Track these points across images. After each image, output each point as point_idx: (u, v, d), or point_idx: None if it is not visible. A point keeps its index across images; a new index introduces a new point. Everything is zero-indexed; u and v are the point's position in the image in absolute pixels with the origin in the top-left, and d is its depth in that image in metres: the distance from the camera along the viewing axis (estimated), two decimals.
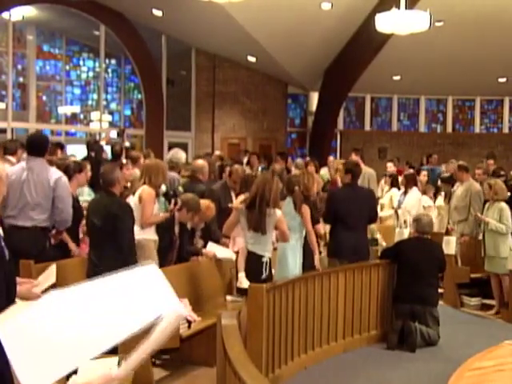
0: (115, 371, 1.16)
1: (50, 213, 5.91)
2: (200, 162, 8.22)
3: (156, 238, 6.28)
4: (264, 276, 5.79)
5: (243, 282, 6.05)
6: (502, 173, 10.20)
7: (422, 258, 6.84)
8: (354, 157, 10.55)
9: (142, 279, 1.22)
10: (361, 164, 10.36)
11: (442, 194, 10.71)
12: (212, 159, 9.86)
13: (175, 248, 6.59)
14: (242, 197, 6.66)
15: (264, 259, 5.81)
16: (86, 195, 7.57)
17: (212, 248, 6.79)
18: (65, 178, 6.05)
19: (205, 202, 6.74)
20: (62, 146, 9.51)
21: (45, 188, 5.87)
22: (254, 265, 5.79)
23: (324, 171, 12.24)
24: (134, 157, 8.60)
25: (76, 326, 1.11)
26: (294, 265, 6.49)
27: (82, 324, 1.12)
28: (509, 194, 8.71)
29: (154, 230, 6.30)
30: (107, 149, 10.97)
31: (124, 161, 8.85)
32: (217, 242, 7.02)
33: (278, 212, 5.88)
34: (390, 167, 12.49)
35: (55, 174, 5.98)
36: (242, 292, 6.07)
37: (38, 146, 6.03)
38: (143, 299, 1.18)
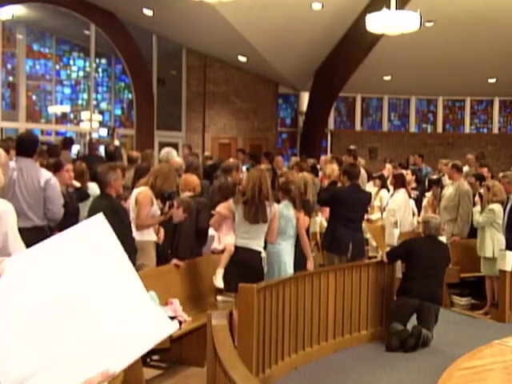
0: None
1: (43, 212, 5.91)
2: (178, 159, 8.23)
3: (155, 238, 6.26)
4: (265, 271, 5.85)
5: (218, 279, 6.07)
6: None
7: (436, 256, 6.89)
8: (348, 158, 10.51)
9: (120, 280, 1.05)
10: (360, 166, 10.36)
11: (427, 195, 10.65)
12: (194, 158, 9.73)
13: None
14: (224, 203, 6.59)
15: (262, 254, 5.84)
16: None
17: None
18: (54, 179, 6.04)
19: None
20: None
21: (35, 189, 5.87)
22: (255, 261, 5.81)
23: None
24: (132, 157, 8.55)
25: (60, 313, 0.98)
26: (284, 269, 6.44)
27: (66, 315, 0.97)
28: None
29: (153, 230, 6.27)
30: (100, 148, 10.92)
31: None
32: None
33: (276, 205, 5.95)
34: (389, 169, 12.24)
35: (45, 174, 5.98)
36: (220, 290, 6.13)
37: (27, 146, 6.02)
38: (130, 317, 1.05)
